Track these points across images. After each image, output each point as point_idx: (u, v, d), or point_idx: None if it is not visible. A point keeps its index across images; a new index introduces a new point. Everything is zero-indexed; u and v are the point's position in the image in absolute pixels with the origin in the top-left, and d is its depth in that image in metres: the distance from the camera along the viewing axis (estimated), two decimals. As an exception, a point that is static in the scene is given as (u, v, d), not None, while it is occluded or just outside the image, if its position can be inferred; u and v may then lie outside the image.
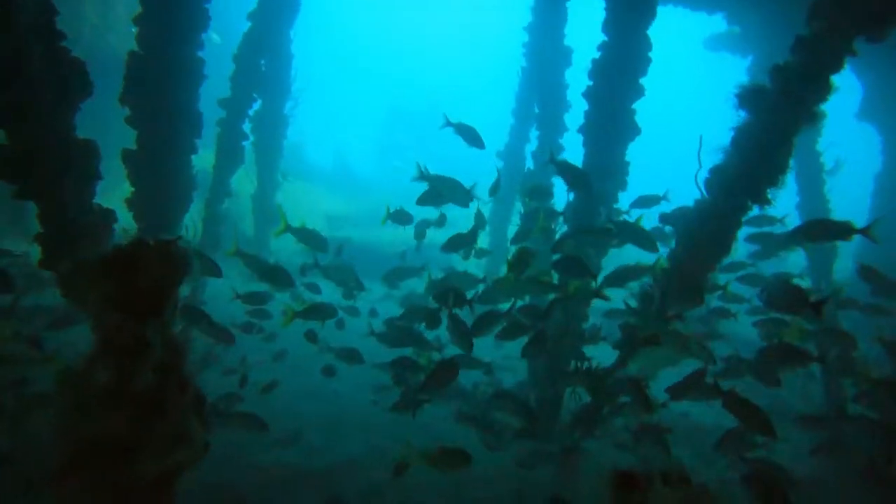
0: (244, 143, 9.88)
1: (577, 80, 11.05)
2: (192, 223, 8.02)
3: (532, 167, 10.48)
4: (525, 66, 12.57)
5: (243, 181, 13.89)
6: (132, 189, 6.98)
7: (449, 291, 5.19)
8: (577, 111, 10.86)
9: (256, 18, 10.30)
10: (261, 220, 13.15)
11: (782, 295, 4.49)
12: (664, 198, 8.60)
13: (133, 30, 6.67)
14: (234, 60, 9.99)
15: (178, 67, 6.70)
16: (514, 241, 7.78)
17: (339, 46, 76.04)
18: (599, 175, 7.08)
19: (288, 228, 6.83)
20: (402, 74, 58.77)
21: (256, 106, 12.67)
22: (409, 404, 5.88)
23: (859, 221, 4.88)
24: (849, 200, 14.02)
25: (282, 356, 8.37)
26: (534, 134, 12.41)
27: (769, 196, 4.56)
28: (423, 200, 6.48)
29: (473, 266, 11.30)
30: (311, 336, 7.52)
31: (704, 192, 5.21)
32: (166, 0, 6.43)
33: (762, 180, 4.45)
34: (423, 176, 6.34)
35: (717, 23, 16.67)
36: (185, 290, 9.05)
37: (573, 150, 11.29)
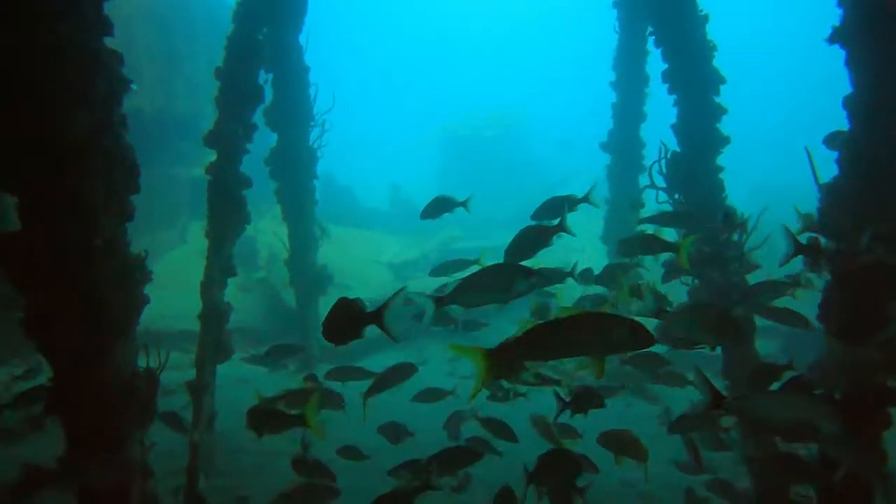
0: (246, 191, 6.74)
1: None
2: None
3: (678, 149, 6.76)
4: (621, 15, 8.97)
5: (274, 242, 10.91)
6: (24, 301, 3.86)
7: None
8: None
9: (243, 18, 7.24)
10: (301, 289, 9.99)
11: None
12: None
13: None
14: (216, 76, 6.94)
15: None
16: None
17: (374, 66, 68.91)
18: None
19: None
20: (453, 85, 54.38)
21: (270, 142, 9.69)
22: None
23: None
24: None
25: None
26: (656, 101, 8.73)
27: None
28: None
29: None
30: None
31: None
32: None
33: None
34: None
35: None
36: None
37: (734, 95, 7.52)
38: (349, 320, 2.82)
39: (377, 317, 2.77)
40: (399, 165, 33.96)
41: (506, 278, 3.23)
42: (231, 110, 6.83)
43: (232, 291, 14.52)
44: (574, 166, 25.61)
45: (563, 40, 56.06)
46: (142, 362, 4.40)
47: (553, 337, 2.43)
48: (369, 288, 14.40)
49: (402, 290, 2.87)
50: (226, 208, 6.52)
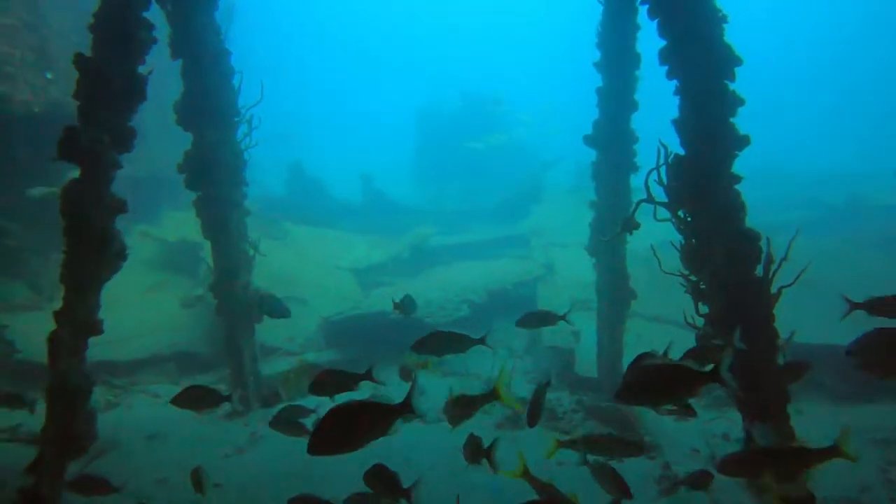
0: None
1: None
2: None
3: (680, 151, 5.20)
4: (607, -18, 7.33)
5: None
6: None
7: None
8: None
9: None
10: (231, 319, 8.35)
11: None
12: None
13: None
14: (75, 65, 5.25)
15: None
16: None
17: (348, 46, 67.03)
18: None
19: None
20: (429, 66, 52.72)
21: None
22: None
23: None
24: None
25: None
26: (648, 89, 7.21)
27: None
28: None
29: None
30: None
31: None
32: None
33: None
34: None
35: None
36: None
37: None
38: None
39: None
40: (373, 152, 32.16)
41: None
42: (94, 111, 5.16)
43: (173, 308, 12.93)
44: (558, 149, 24.12)
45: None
46: None
47: None
48: (328, 299, 12.80)
49: None
50: (84, 246, 4.86)
